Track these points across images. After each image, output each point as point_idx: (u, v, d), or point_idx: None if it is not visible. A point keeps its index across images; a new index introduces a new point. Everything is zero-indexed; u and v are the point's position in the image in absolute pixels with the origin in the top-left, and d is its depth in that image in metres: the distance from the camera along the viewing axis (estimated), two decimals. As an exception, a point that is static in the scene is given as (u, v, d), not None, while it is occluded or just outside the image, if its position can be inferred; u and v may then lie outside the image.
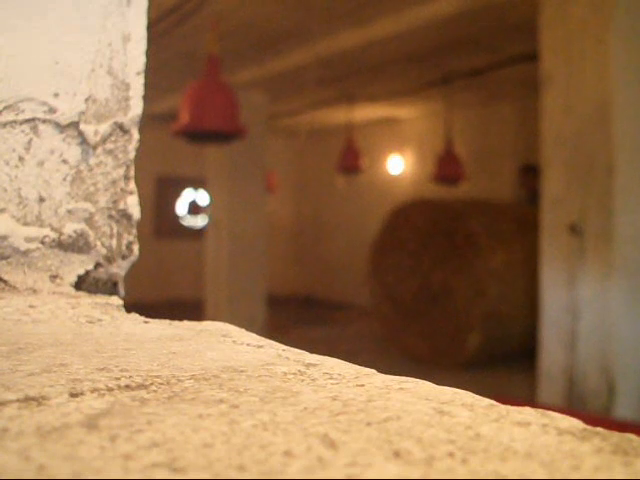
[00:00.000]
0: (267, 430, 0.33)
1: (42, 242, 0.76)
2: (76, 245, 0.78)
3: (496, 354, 5.23)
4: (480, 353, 5.11)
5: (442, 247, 5.41)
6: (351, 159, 7.11)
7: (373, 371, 0.48)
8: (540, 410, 0.37)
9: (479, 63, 5.44)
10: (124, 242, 0.81)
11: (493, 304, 5.08)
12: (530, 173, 6.21)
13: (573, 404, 3.24)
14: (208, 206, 7.23)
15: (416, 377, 0.45)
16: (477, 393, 0.41)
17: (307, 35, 4.91)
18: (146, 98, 0.82)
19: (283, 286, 9.51)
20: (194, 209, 9.61)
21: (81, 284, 0.79)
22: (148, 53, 0.81)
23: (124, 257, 0.81)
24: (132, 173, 0.82)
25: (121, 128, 0.80)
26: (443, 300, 5.39)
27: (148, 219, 8.69)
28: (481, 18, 4.36)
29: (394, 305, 5.84)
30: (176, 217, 9.51)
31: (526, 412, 0.37)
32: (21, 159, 0.74)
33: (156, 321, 0.70)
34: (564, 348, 3.30)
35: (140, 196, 0.83)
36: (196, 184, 9.31)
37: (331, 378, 0.45)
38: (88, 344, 0.55)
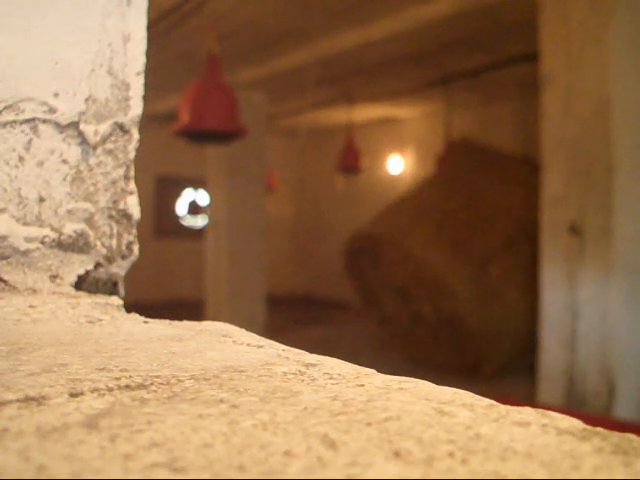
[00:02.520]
0: (267, 430, 0.33)
1: (42, 242, 0.76)
2: (76, 245, 0.78)
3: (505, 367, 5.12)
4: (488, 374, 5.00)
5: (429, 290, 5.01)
6: (351, 159, 7.11)
7: (373, 371, 0.48)
8: (540, 410, 0.37)
9: (479, 63, 5.44)
10: (124, 242, 0.81)
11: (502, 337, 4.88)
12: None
13: (573, 404, 3.24)
14: (208, 206, 7.22)
15: (416, 377, 0.45)
16: (477, 393, 0.41)
17: (307, 35, 4.91)
18: (146, 98, 0.82)
19: (283, 286, 9.51)
20: (194, 209, 9.61)
21: (81, 284, 0.79)
22: (148, 53, 0.81)
23: (124, 257, 0.81)
24: (132, 173, 0.82)
25: (121, 128, 0.80)
26: (445, 332, 5.03)
27: (148, 219, 8.69)
28: (481, 18, 4.36)
29: (392, 327, 5.59)
30: (176, 217, 9.51)
31: (526, 412, 0.37)
32: (21, 159, 0.74)
33: (156, 321, 0.70)
34: (564, 348, 3.30)
35: (140, 196, 0.83)
36: (196, 184, 9.31)
37: (331, 378, 0.45)
38: (88, 344, 0.55)
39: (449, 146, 5.95)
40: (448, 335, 4.99)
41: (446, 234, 5.00)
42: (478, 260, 4.87)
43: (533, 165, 5.80)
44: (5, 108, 0.73)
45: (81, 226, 0.78)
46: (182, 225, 9.56)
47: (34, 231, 0.75)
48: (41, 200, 0.76)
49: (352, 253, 5.55)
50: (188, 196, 9.60)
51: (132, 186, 0.82)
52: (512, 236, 4.99)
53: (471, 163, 5.56)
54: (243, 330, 0.66)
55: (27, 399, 0.37)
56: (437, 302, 4.92)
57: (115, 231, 0.80)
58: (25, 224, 0.75)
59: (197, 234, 9.09)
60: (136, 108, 0.81)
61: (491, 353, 4.88)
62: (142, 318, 0.71)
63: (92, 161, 0.78)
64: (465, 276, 4.80)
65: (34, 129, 0.74)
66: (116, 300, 0.76)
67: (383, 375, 0.47)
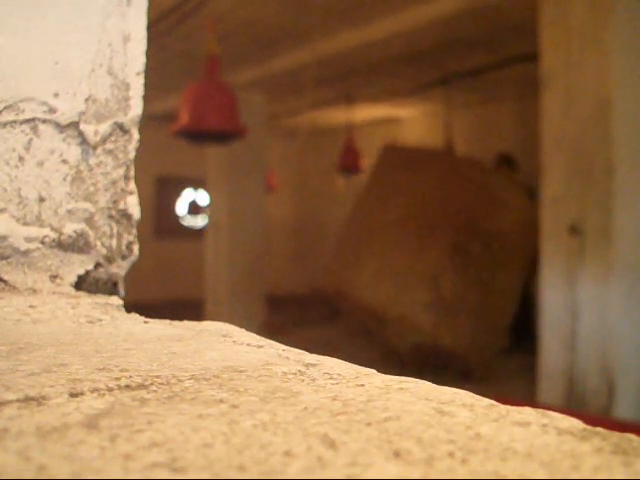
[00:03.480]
0: (267, 430, 0.33)
1: (42, 242, 0.76)
2: (76, 245, 0.78)
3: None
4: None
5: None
6: (351, 159, 7.11)
7: (373, 371, 0.48)
8: (540, 410, 0.37)
9: (479, 63, 5.44)
10: (124, 242, 0.81)
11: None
12: (505, 163, 5.87)
13: (573, 404, 3.24)
14: (208, 206, 7.22)
15: (416, 377, 0.45)
16: (477, 393, 0.41)
17: (307, 35, 4.91)
18: (146, 98, 0.82)
19: (283, 286, 9.51)
20: (194, 209, 9.61)
21: (81, 284, 0.79)
22: (148, 53, 0.81)
23: (124, 257, 0.81)
24: (132, 173, 0.82)
25: (121, 128, 0.80)
26: (423, 353, 4.88)
27: (148, 219, 8.69)
28: (481, 18, 4.36)
29: (376, 350, 5.54)
30: (176, 217, 9.51)
31: (526, 412, 0.37)
32: (21, 159, 0.74)
33: (156, 321, 0.70)
34: (564, 348, 3.30)
35: (140, 196, 0.83)
36: (196, 184, 9.31)
37: (331, 378, 0.45)
38: (88, 344, 0.55)
39: (379, 155, 5.73)
40: (428, 355, 4.89)
41: (391, 265, 4.83)
42: (430, 280, 4.68)
43: (471, 160, 5.69)
44: (5, 108, 0.73)
45: (81, 226, 0.78)
46: (182, 225, 9.56)
47: (34, 231, 0.75)
48: (41, 200, 0.76)
49: (319, 299, 5.55)
50: (188, 196, 9.60)
51: (132, 186, 0.82)
52: (458, 238, 4.87)
53: (402, 170, 5.37)
54: (243, 330, 0.66)
55: (27, 399, 0.37)
56: (405, 337, 4.80)
57: (115, 231, 0.80)
58: (25, 224, 0.75)
59: (197, 234, 9.08)
60: (136, 108, 0.81)
61: (475, 360, 4.82)
62: (142, 318, 0.71)
63: (92, 161, 0.78)
64: (422, 304, 4.63)
65: (34, 129, 0.74)
66: (116, 300, 0.76)
67: (383, 375, 0.47)
